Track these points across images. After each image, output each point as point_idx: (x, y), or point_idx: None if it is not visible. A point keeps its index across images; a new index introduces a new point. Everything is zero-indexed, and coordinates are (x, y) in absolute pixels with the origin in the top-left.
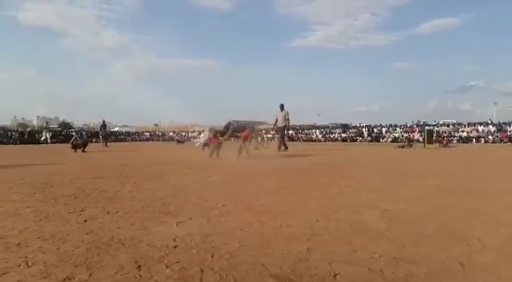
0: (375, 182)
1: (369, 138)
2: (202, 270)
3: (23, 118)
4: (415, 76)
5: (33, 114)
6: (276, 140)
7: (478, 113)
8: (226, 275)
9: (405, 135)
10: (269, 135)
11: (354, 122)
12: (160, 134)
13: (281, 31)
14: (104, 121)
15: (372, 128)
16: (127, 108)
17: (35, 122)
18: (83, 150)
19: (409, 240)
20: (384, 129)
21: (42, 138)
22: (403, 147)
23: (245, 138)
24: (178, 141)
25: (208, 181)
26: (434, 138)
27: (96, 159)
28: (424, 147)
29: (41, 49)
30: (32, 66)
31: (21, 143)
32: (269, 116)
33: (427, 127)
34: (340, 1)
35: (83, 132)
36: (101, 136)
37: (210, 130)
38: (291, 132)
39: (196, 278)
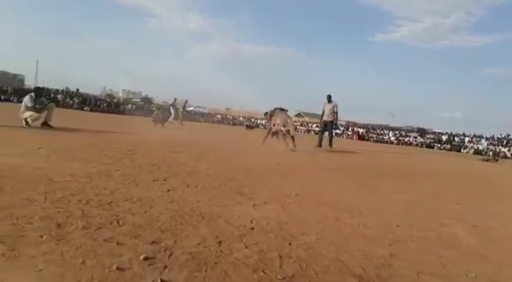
0: (459, 193)
1: (448, 146)
2: (281, 257)
3: (110, 90)
4: (507, 84)
5: (119, 87)
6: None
7: None
8: (306, 266)
9: (491, 148)
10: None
11: (432, 128)
12: (231, 117)
13: (363, 24)
14: (186, 100)
15: (453, 136)
16: (202, 89)
17: (120, 94)
18: (162, 125)
19: (508, 261)
20: (466, 139)
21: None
22: (487, 160)
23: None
24: (248, 126)
25: (279, 168)
26: None
27: (174, 135)
28: None
29: (132, 27)
30: (122, 42)
31: (108, 112)
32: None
33: None
34: None
35: (165, 109)
36: (181, 114)
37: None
38: (361, 130)
39: (275, 263)
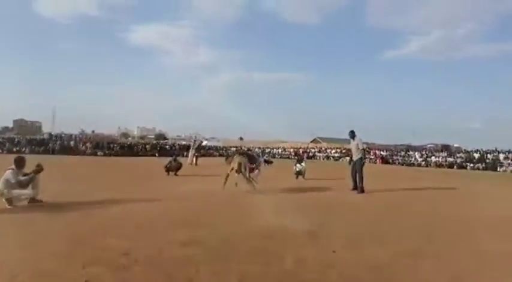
0: None
1: (482, 165)
2: None
3: (126, 128)
4: None
5: (134, 125)
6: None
7: None
8: None
9: None
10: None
11: (454, 143)
12: (246, 148)
13: (371, 43)
14: (201, 141)
15: (486, 153)
16: (214, 120)
17: (135, 132)
18: (175, 174)
19: None
20: (501, 156)
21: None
22: None
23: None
24: (266, 161)
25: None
26: None
27: (190, 192)
28: None
29: (145, 66)
30: (136, 82)
31: (122, 155)
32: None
33: None
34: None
35: (177, 157)
36: (194, 155)
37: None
38: (383, 153)
39: None
